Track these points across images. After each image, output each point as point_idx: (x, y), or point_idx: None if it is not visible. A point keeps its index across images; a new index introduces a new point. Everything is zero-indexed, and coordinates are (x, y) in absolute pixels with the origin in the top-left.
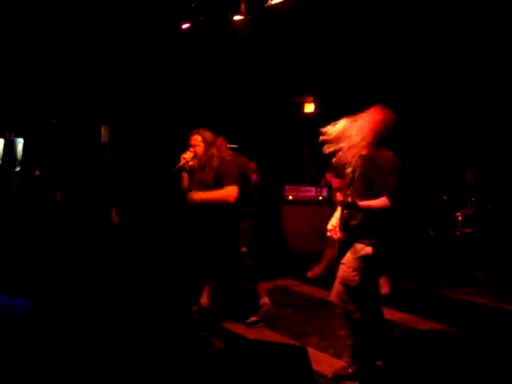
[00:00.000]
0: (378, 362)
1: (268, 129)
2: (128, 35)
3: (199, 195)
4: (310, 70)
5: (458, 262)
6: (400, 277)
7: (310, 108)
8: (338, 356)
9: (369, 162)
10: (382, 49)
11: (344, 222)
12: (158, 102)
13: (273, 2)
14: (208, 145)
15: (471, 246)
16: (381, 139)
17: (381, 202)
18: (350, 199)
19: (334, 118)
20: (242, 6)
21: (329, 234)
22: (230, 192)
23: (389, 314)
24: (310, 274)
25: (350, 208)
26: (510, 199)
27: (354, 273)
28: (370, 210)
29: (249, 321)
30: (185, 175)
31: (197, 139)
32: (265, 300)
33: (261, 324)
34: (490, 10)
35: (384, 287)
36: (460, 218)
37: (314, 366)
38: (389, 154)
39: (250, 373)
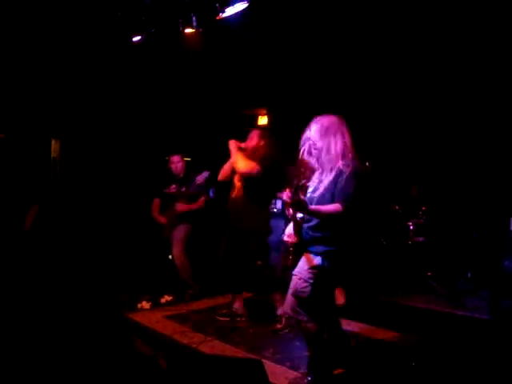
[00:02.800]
0: (335, 372)
1: (221, 141)
2: (79, 48)
3: None
4: (263, 82)
5: (410, 271)
6: (354, 287)
7: (263, 120)
8: (294, 368)
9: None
10: (334, 62)
11: (298, 226)
12: (110, 115)
13: (224, 15)
14: None
15: (423, 254)
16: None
17: (333, 207)
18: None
19: (287, 131)
20: (194, 18)
21: (285, 238)
22: None
23: (344, 323)
24: None
25: (299, 207)
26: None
27: (305, 284)
28: (320, 216)
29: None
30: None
31: None
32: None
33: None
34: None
35: (339, 298)
36: (412, 227)
37: (271, 379)
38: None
39: None
